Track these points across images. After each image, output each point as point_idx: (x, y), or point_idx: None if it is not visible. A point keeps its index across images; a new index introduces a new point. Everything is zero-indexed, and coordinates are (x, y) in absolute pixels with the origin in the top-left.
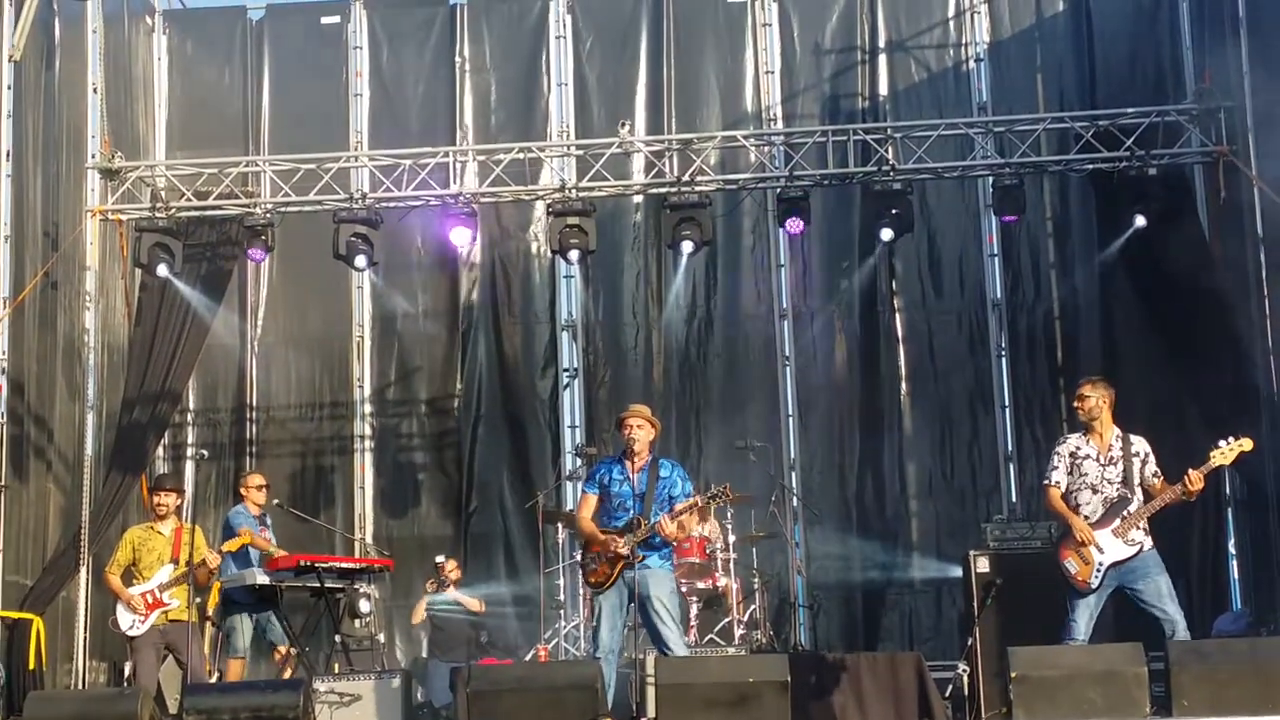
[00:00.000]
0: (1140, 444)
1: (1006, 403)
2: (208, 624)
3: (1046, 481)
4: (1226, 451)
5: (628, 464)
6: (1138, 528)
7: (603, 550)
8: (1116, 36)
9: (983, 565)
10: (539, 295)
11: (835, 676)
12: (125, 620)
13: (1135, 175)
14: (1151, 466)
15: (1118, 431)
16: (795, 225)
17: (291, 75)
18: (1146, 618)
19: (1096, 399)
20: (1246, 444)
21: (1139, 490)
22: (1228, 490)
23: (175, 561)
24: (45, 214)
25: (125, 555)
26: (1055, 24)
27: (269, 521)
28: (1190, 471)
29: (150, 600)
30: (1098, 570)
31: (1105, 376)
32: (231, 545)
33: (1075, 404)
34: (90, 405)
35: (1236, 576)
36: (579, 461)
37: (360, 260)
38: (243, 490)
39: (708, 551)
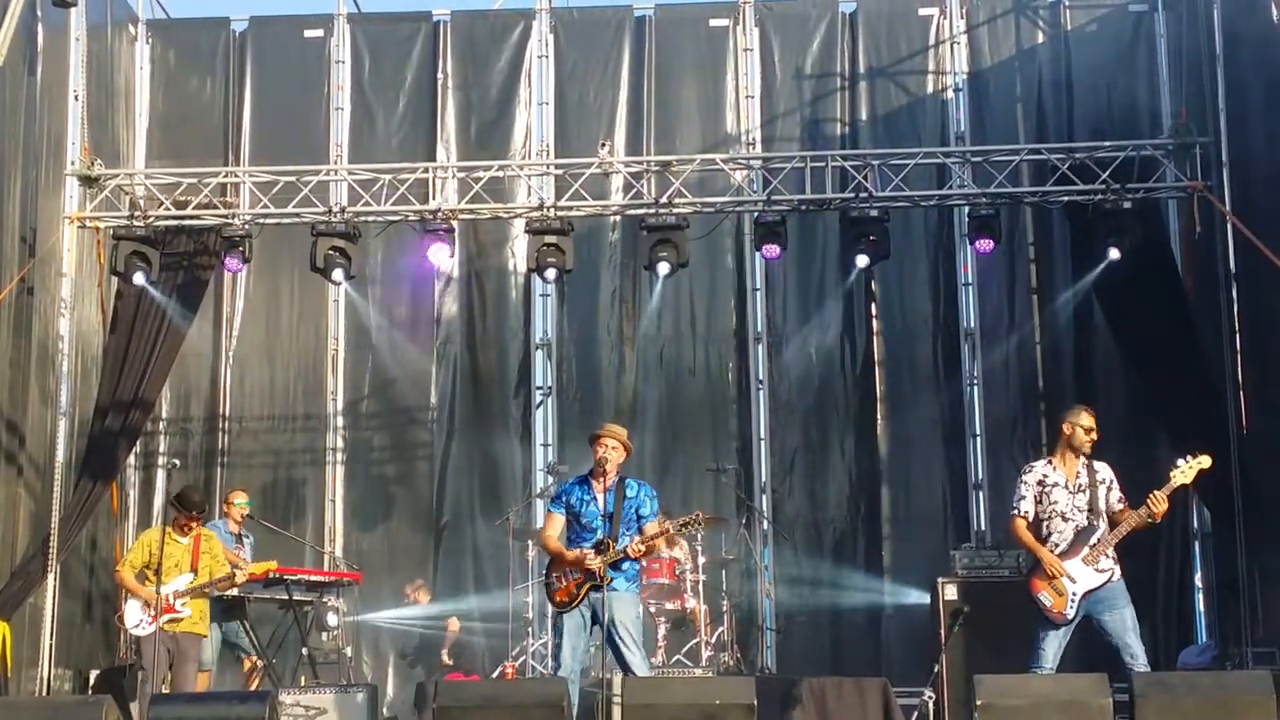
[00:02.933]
0: (1105, 470)
1: (978, 431)
2: None
3: (1014, 512)
4: (1186, 470)
5: (595, 484)
6: (1106, 555)
7: (569, 569)
8: (1095, 70)
9: (951, 592)
10: (514, 312)
11: (801, 700)
12: (132, 618)
13: (1110, 208)
14: (1116, 493)
15: (1084, 459)
16: (772, 251)
17: (273, 87)
18: (1111, 648)
19: (1096, 432)
20: (1205, 461)
21: (1103, 517)
22: (1195, 523)
23: (195, 571)
24: (23, 219)
25: (140, 557)
26: (1034, 56)
27: (246, 539)
28: (1153, 493)
29: (164, 604)
30: (1072, 601)
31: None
32: (258, 568)
33: (1083, 435)
34: (63, 412)
35: (1202, 610)
36: (550, 479)
37: (337, 273)
38: (225, 506)
39: (677, 573)
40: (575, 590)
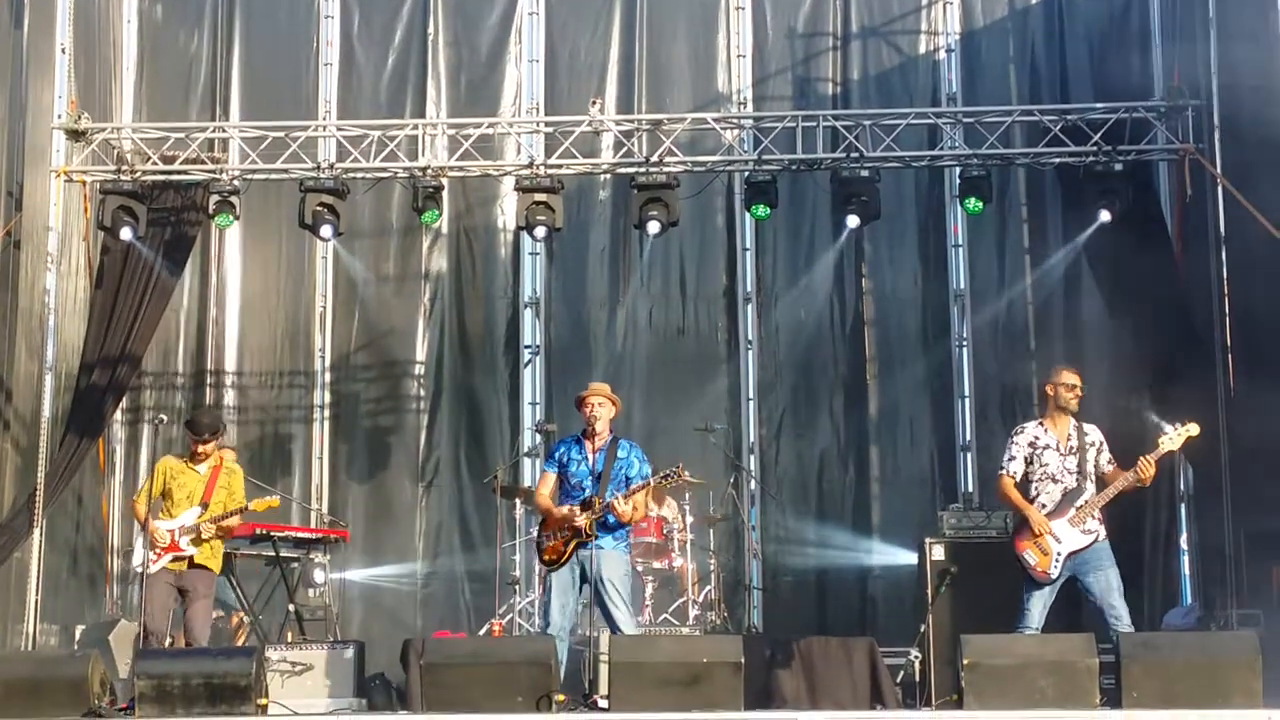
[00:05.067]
0: (1094, 433)
1: (967, 392)
2: None
3: (1002, 471)
4: (1174, 437)
5: (587, 443)
6: (1093, 517)
7: (558, 527)
8: (1088, 32)
9: (938, 553)
10: (503, 270)
11: (788, 659)
12: (138, 554)
13: (1101, 170)
14: (1106, 455)
15: (1074, 421)
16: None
17: (261, 42)
18: (1095, 609)
19: (1080, 388)
20: (1194, 429)
21: (1091, 479)
22: (1181, 486)
23: (205, 505)
24: (9, 173)
25: (156, 486)
26: (1027, 17)
27: None
28: (1141, 458)
29: (168, 542)
30: (1056, 560)
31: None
32: (259, 504)
33: (1066, 392)
34: (49, 366)
35: (1188, 572)
36: (538, 438)
37: (325, 230)
38: None
39: (665, 532)
40: (563, 548)
